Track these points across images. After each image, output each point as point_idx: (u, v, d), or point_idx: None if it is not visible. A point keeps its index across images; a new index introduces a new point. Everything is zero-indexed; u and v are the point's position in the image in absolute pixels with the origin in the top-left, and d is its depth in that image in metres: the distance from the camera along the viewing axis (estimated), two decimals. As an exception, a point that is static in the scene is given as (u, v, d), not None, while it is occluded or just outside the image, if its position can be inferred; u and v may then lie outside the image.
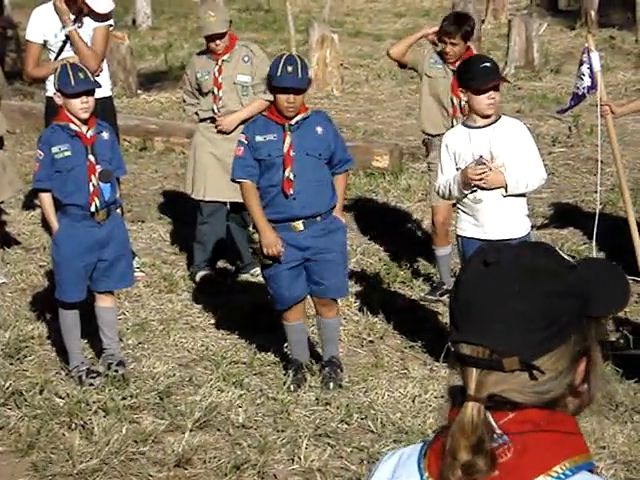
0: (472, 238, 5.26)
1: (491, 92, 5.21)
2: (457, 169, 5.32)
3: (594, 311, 1.55)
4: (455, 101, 6.59)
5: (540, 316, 1.51)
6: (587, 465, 1.52)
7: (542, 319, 1.51)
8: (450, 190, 5.30)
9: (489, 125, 5.28)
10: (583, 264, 1.58)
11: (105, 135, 5.42)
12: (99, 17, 6.60)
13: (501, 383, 1.51)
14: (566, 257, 1.57)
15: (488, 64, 5.29)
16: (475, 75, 5.25)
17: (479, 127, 5.28)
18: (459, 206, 5.38)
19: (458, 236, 5.42)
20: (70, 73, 5.27)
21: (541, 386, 1.52)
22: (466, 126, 5.35)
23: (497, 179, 5.19)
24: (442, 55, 6.64)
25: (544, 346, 1.51)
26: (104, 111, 6.30)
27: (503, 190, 5.22)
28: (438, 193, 5.48)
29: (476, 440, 1.48)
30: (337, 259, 5.33)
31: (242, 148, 5.32)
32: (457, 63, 6.51)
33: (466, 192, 5.25)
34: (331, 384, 5.36)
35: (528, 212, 5.51)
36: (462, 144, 5.30)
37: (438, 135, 6.58)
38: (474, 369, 1.52)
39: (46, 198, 5.39)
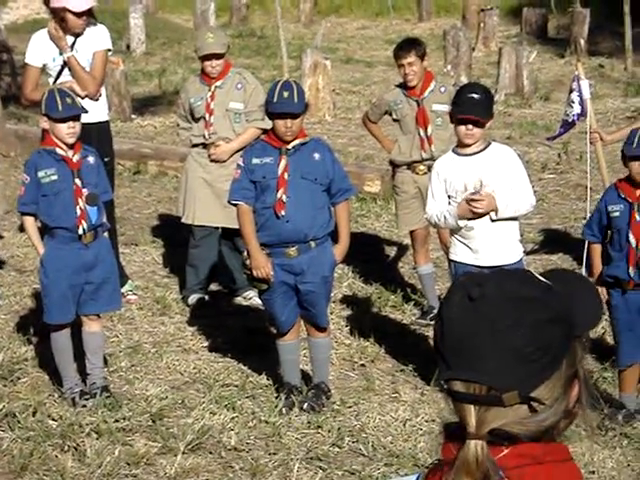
0: (465, 264, 5.31)
1: (469, 125, 5.21)
2: (448, 196, 5.37)
3: (577, 330, 1.55)
4: (422, 132, 6.64)
5: (533, 347, 1.50)
6: None
7: (536, 350, 1.50)
8: (445, 221, 5.35)
9: (479, 152, 5.31)
10: (555, 279, 1.57)
11: (91, 159, 5.44)
12: (77, 17, 6.49)
13: (501, 417, 1.50)
14: (541, 278, 1.57)
15: (476, 95, 5.26)
16: (458, 102, 5.29)
17: (469, 155, 5.32)
18: (453, 233, 5.43)
19: (451, 261, 5.46)
20: (57, 98, 5.30)
21: (540, 415, 1.51)
22: (456, 153, 5.38)
23: (489, 203, 5.25)
24: (404, 87, 6.68)
25: (540, 376, 1.51)
26: (101, 135, 6.32)
27: (492, 214, 5.26)
28: (430, 221, 5.53)
29: (482, 477, 1.47)
30: (321, 291, 5.37)
31: (239, 171, 5.38)
32: (420, 88, 6.59)
33: (461, 225, 5.30)
34: (305, 405, 5.36)
35: (520, 237, 5.57)
36: (452, 171, 5.34)
37: (404, 164, 6.68)
38: (472, 406, 1.50)
39: (30, 221, 5.42)
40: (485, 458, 1.48)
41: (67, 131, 5.29)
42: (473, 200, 5.19)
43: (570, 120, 6.64)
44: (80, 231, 5.33)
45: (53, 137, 5.35)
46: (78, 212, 5.32)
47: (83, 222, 5.33)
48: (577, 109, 6.52)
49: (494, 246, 5.26)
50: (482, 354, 1.50)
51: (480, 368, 1.50)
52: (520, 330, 1.50)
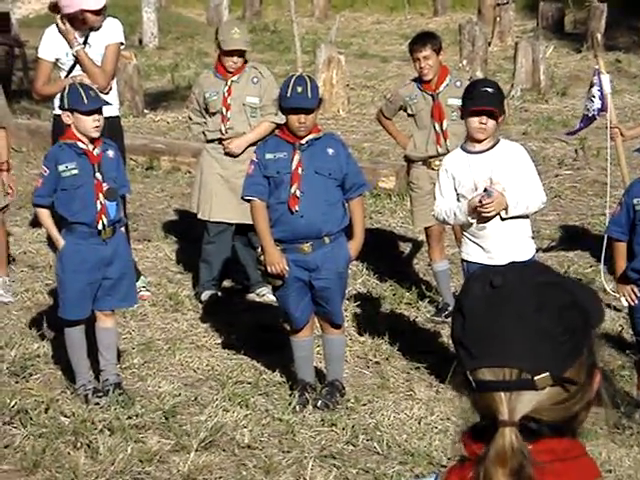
0: (478, 263, 5.24)
1: (483, 117, 5.17)
2: (457, 194, 5.32)
3: (593, 321, 1.56)
4: (437, 127, 6.59)
5: (560, 329, 1.51)
6: None
7: (563, 332, 1.51)
8: (455, 218, 5.30)
9: (488, 150, 5.26)
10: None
11: (111, 153, 5.43)
12: (96, 14, 6.50)
13: (533, 402, 1.50)
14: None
15: (489, 89, 5.24)
16: (472, 95, 5.24)
17: (478, 152, 5.26)
18: (464, 232, 5.39)
19: (463, 260, 5.41)
20: (81, 91, 5.30)
21: (569, 401, 1.52)
22: (465, 150, 5.33)
23: (499, 203, 5.19)
24: (419, 81, 6.65)
25: (569, 358, 1.51)
26: (112, 130, 6.30)
27: (503, 212, 5.21)
28: (438, 218, 5.48)
29: (517, 466, 1.46)
30: (335, 287, 5.35)
31: (253, 167, 5.35)
32: (435, 83, 6.55)
33: (472, 221, 5.25)
34: (319, 402, 5.34)
35: (533, 235, 5.51)
36: (461, 169, 5.29)
37: (420, 160, 6.63)
38: (502, 393, 1.49)
39: (45, 214, 5.40)
40: (520, 445, 1.47)
41: (93, 124, 5.28)
42: (481, 205, 5.13)
43: (590, 115, 6.59)
44: (100, 226, 5.31)
45: (75, 131, 5.32)
46: (98, 207, 5.31)
47: (103, 217, 5.32)
48: (597, 104, 6.47)
49: (507, 244, 5.21)
50: (510, 338, 1.49)
51: (510, 352, 1.49)
52: (546, 312, 1.50)
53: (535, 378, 1.49)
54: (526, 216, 5.33)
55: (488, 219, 5.20)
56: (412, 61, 6.72)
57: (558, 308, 1.51)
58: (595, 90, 6.50)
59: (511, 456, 1.47)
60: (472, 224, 5.25)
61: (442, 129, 6.58)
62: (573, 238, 8.10)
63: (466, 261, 5.35)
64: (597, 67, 6.65)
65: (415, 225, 7.04)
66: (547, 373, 1.49)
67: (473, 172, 5.22)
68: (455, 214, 5.27)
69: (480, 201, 5.15)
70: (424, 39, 6.61)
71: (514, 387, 1.49)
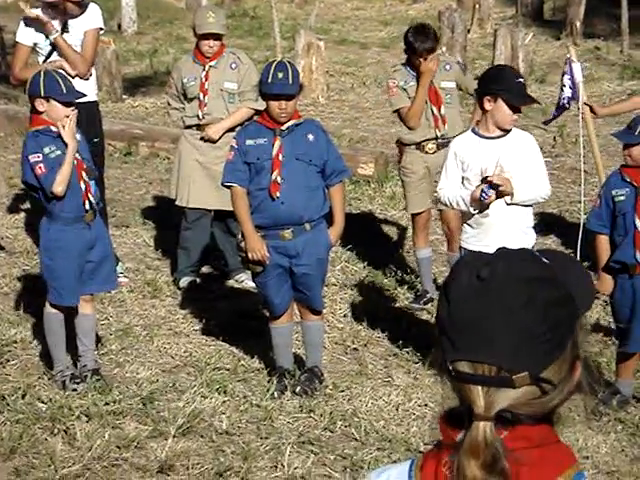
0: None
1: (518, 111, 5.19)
2: (463, 177, 5.30)
3: (582, 306, 1.54)
4: (435, 111, 6.57)
5: (545, 327, 1.49)
6: (579, 476, 1.53)
7: (547, 330, 1.49)
8: (458, 205, 5.28)
9: (501, 137, 5.24)
10: (549, 259, 1.56)
11: (78, 135, 5.39)
12: (76, 4, 6.48)
13: (510, 398, 1.49)
14: (543, 258, 1.56)
15: (522, 80, 5.27)
16: (511, 89, 5.16)
17: (491, 138, 5.24)
18: (466, 219, 5.36)
19: (462, 248, 5.38)
20: (59, 80, 5.26)
21: (546, 396, 1.51)
22: (477, 134, 5.29)
23: (505, 181, 5.17)
24: (410, 67, 6.55)
25: (550, 357, 1.50)
26: (90, 115, 6.28)
27: (508, 198, 5.19)
28: (440, 199, 5.45)
29: (490, 459, 1.46)
30: (316, 273, 5.35)
31: (233, 153, 5.33)
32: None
33: (474, 212, 5.24)
34: (298, 389, 5.35)
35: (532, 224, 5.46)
36: (471, 153, 5.26)
37: (414, 143, 6.59)
38: (479, 387, 1.49)
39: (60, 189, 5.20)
40: (494, 440, 1.47)
41: (67, 113, 5.24)
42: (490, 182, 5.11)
43: (561, 104, 6.61)
44: (87, 206, 5.27)
45: (45, 118, 5.27)
46: (83, 186, 5.27)
47: (90, 196, 5.28)
48: (568, 92, 6.49)
49: (508, 234, 5.13)
50: (493, 335, 1.48)
51: (491, 349, 1.48)
52: (532, 310, 1.48)
53: (513, 377, 1.48)
54: (529, 206, 5.31)
55: (488, 207, 5.16)
56: (414, 55, 6.43)
57: (545, 305, 1.49)
58: (566, 79, 6.52)
59: (484, 449, 1.46)
60: (474, 214, 5.24)
61: (440, 113, 6.54)
62: (550, 225, 8.13)
63: (465, 249, 5.31)
64: (569, 55, 6.67)
65: (409, 210, 6.88)
66: (526, 372, 1.48)
67: (483, 157, 5.19)
68: (458, 202, 5.25)
69: (488, 183, 5.12)
70: (433, 37, 6.46)
71: (491, 383, 1.48)
